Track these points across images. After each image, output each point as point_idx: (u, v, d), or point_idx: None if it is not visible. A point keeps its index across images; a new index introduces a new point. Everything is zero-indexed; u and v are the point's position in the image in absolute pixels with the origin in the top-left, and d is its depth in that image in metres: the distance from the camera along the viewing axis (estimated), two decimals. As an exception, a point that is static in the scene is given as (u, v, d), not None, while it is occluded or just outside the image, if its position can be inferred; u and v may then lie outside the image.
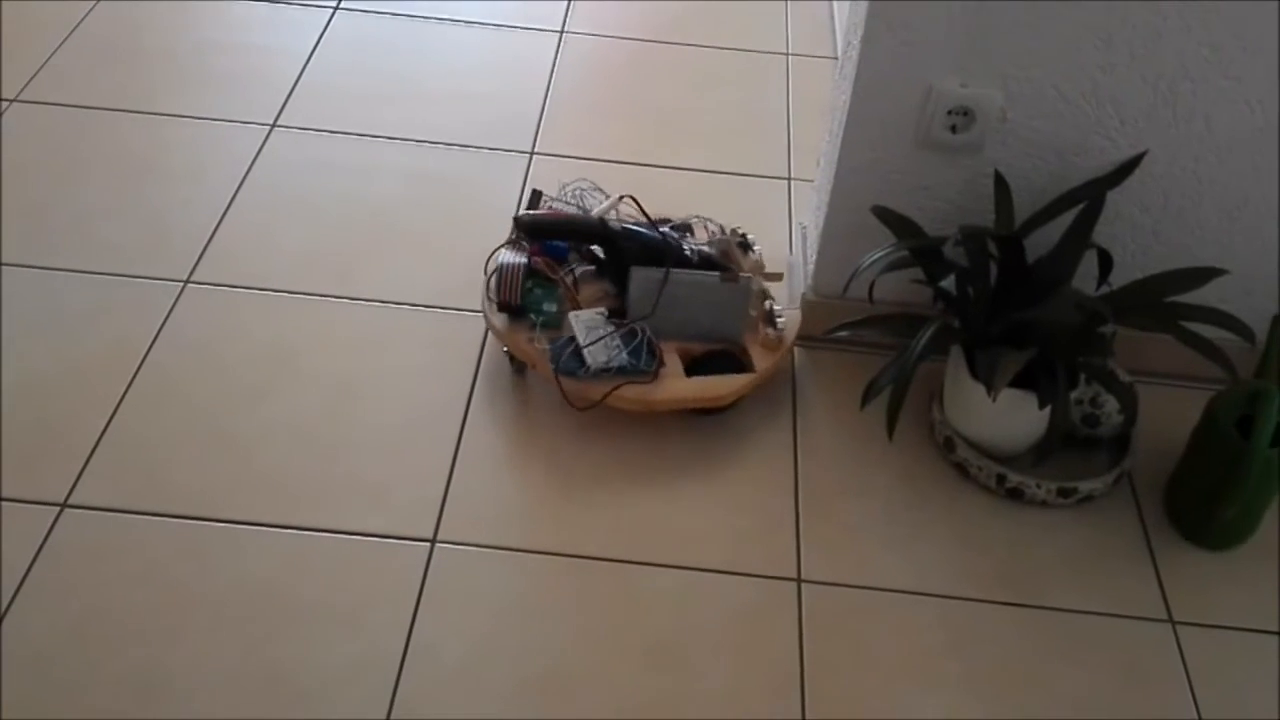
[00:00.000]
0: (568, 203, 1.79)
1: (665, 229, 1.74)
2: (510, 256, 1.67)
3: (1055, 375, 1.49)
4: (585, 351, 1.60)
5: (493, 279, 1.68)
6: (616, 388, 1.60)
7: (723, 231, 1.79)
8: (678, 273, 1.66)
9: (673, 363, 1.65)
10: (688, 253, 1.70)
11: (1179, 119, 1.56)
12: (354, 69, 2.27)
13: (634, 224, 1.72)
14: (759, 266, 1.77)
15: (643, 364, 1.61)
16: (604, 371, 1.60)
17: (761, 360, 1.67)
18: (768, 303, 1.71)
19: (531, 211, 1.73)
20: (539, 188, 1.84)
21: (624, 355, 1.60)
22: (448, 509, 1.55)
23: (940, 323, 1.54)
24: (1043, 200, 1.63)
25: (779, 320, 1.69)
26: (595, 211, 1.77)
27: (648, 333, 1.64)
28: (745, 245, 1.79)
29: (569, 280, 1.69)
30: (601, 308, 1.67)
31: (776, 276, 1.80)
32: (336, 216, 1.96)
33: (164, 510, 1.51)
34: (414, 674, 1.37)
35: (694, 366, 1.66)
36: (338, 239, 1.92)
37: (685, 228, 1.80)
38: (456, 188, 2.04)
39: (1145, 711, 1.40)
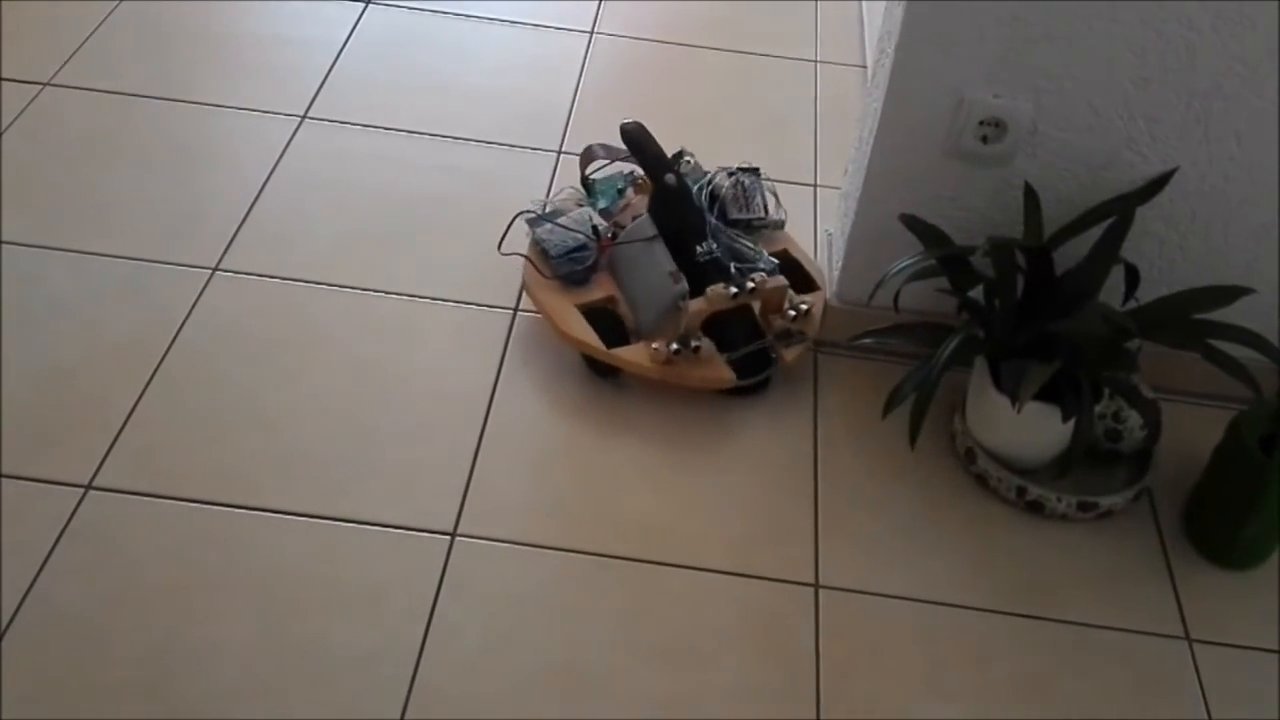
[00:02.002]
0: (737, 182, 1.85)
1: (737, 228, 1.80)
2: (604, 150, 1.82)
3: (1080, 389, 1.49)
4: (549, 223, 1.77)
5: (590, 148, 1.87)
6: (521, 256, 1.78)
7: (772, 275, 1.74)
8: (659, 244, 1.70)
9: (587, 293, 1.74)
10: (700, 249, 1.70)
11: (1210, 137, 1.56)
12: (385, 63, 2.29)
13: (711, 199, 1.79)
14: (782, 328, 1.74)
15: (557, 266, 1.74)
16: (536, 243, 1.77)
17: (631, 356, 1.67)
18: (696, 343, 1.66)
19: (640, 129, 1.78)
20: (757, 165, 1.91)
21: (560, 248, 1.74)
22: (468, 503, 1.55)
23: (966, 333, 1.54)
24: (1071, 213, 1.63)
25: (677, 350, 1.65)
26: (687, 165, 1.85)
27: (595, 256, 1.75)
28: (798, 309, 1.74)
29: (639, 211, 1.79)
30: (605, 222, 1.79)
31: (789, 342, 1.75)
32: (365, 209, 1.97)
33: (186, 495, 1.52)
34: (432, 663, 1.38)
35: (592, 311, 1.72)
36: (366, 231, 1.93)
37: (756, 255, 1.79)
38: (484, 184, 2.04)
39: (1160, 728, 1.41)
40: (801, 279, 1.82)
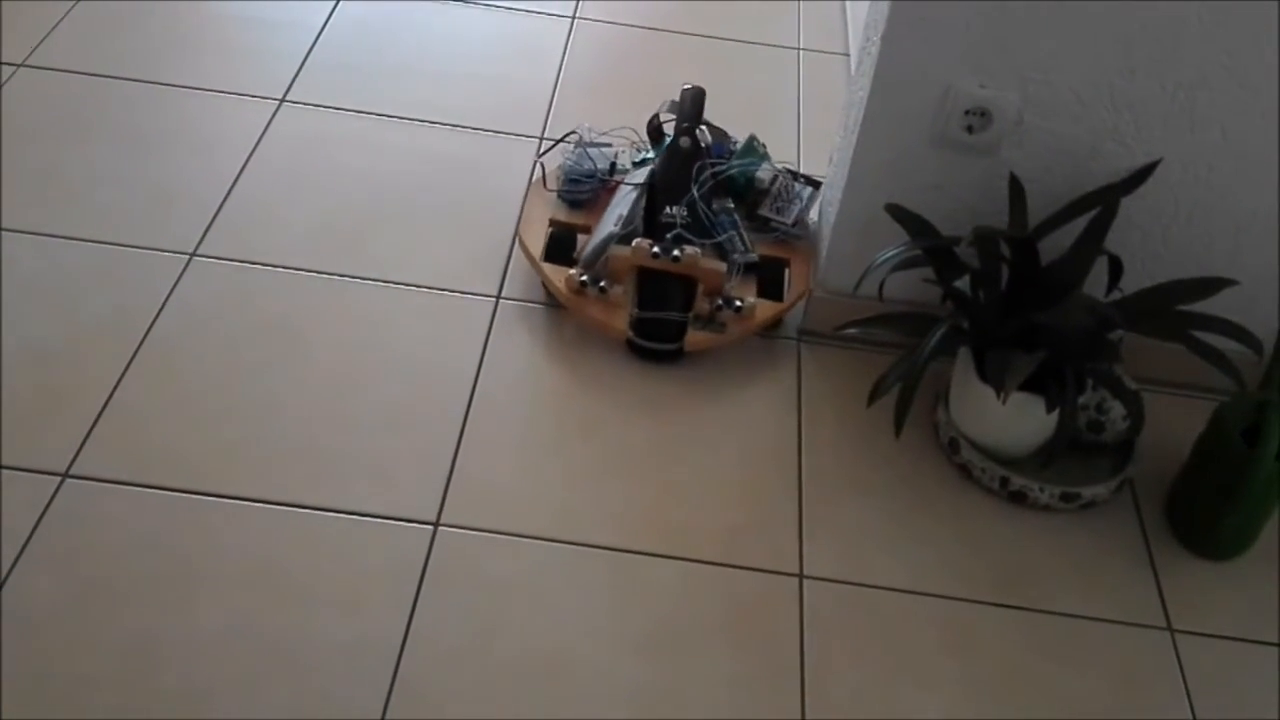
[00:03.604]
0: (786, 184, 1.89)
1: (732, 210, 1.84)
2: (670, 106, 1.88)
3: (1065, 379, 1.49)
4: (580, 148, 1.91)
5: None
6: (539, 171, 1.95)
7: (735, 269, 1.77)
8: (640, 193, 1.78)
9: (571, 215, 1.86)
10: (667, 211, 1.75)
11: (1195, 127, 1.56)
12: (364, 47, 2.26)
13: (714, 170, 1.83)
14: (704, 311, 1.74)
15: (561, 184, 1.89)
16: (562, 159, 1.91)
17: (551, 274, 1.76)
18: (610, 287, 1.73)
19: (694, 94, 1.85)
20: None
21: (574, 171, 1.89)
22: (451, 492, 1.54)
23: (951, 323, 1.54)
24: (1056, 204, 1.63)
25: (584, 282, 1.73)
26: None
27: (597, 188, 1.88)
28: (731, 302, 1.74)
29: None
30: (623, 165, 1.92)
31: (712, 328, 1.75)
32: (345, 194, 1.95)
33: (165, 483, 1.50)
34: (415, 654, 1.37)
35: (559, 230, 1.84)
36: (345, 217, 1.91)
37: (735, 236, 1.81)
38: (465, 169, 2.03)
39: (1143, 719, 1.41)
40: (775, 291, 1.80)
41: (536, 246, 1.80)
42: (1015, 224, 1.59)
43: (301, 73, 2.18)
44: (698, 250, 1.70)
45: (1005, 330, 1.55)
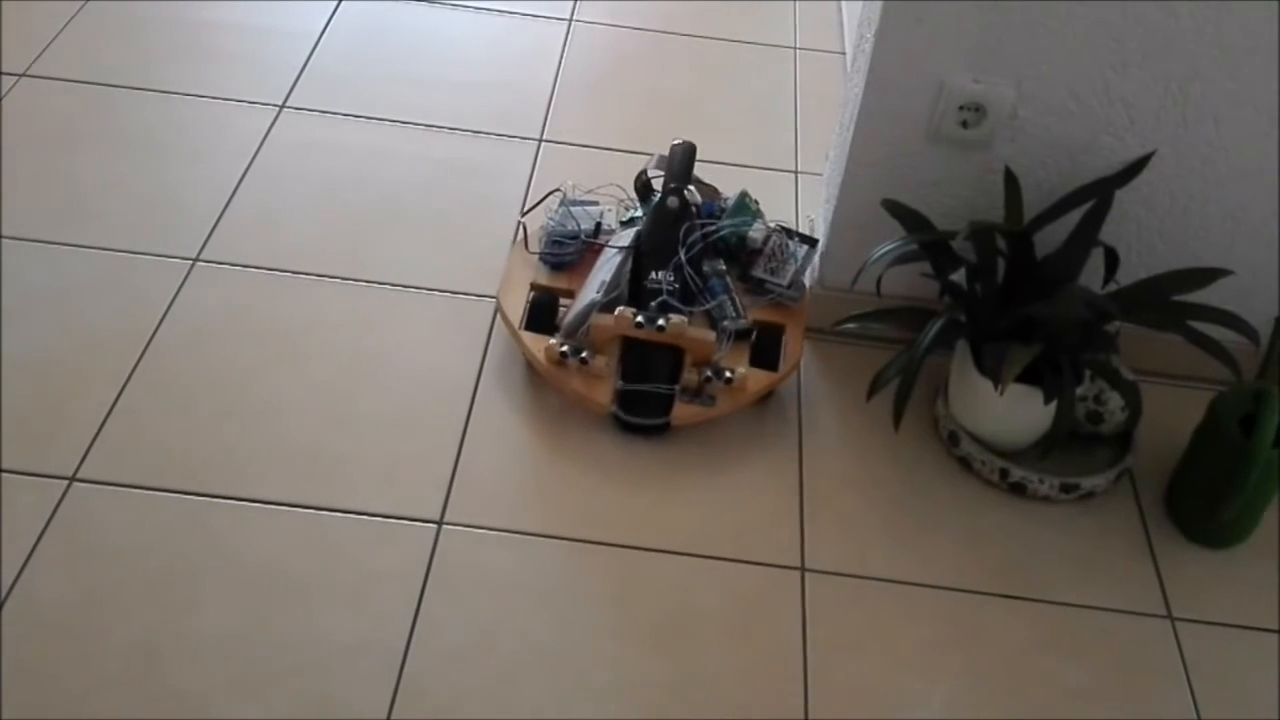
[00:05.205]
0: (781, 243, 1.80)
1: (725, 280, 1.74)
2: (659, 161, 1.81)
3: (1062, 371, 1.50)
4: (565, 207, 1.82)
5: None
6: (521, 232, 1.83)
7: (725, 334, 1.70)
8: (626, 257, 1.70)
9: (553, 278, 1.77)
10: (654, 275, 1.67)
11: (1188, 120, 1.57)
12: (363, 52, 2.28)
13: (701, 233, 1.74)
14: (692, 383, 1.65)
15: (543, 245, 1.79)
16: (547, 219, 1.81)
17: (531, 343, 1.66)
18: (592, 358, 1.63)
19: (683, 150, 1.79)
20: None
21: (557, 232, 1.79)
22: (454, 491, 1.55)
23: (948, 317, 1.55)
24: (1051, 197, 1.64)
25: (565, 352, 1.63)
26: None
27: (579, 250, 1.78)
28: (721, 373, 1.64)
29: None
30: (609, 225, 1.82)
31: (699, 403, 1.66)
32: (345, 199, 1.96)
33: (170, 486, 1.52)
34: (419, 654, 1.38)
35: (542, 295, 1.74)
36: (346, 221, 1.92)
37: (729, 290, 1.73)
38: (464, 173, 2.04)
39: (1144, 707, 1.42)
40: (770, 358, 1.70)
41: (516, 313, 1.71)
42: (1011, 218, 1.60)
43: (301, 79, 2.19)
44: (684, 319, 1.62)
45: (1002, 323, 1.56)
